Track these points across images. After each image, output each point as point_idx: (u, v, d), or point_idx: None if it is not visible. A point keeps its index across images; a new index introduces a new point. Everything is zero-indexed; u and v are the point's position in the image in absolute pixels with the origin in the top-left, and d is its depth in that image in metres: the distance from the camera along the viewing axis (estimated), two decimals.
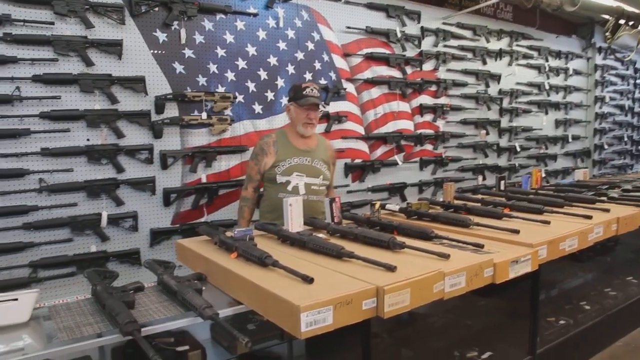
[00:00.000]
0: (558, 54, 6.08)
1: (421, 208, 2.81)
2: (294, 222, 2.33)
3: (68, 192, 2.91)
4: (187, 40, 3.29)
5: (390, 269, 1.63)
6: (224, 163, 3.50)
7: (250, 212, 2.87)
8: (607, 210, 2.82)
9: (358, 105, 4.27)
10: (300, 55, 3.85)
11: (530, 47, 5.70)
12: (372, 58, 4.29)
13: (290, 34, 3.78)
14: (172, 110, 3.26)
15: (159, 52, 3.20)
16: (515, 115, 5.55)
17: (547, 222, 2.46)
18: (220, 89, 3.45)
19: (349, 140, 4.19)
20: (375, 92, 4.37)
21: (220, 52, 3.44)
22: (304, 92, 2.72)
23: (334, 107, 4.07)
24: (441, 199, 3.20)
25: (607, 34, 6.16)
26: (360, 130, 4.29)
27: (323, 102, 3.95)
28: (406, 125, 4.61)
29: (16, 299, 1.53)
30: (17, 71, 2.74)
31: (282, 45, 3.74)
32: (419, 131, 4.68)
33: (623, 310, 3.31)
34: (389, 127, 4.48)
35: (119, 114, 3.02)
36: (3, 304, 1.50)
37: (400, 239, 2.01)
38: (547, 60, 5.93)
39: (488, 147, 5.28)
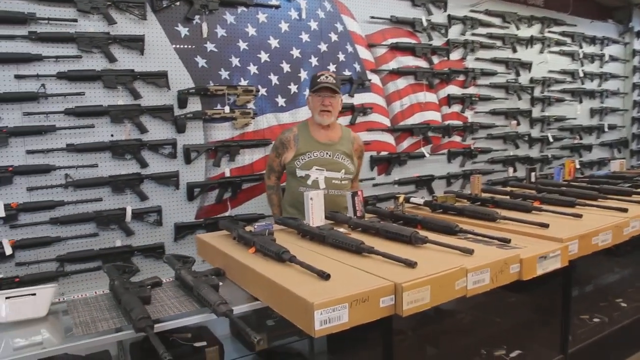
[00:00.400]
0: (593, 40, 5.83)
1: (447, 201, 2.73)
2: (315, 216, 2.29)
3: (93, 187, 2.94)
4: (209, 34, 3.28)
5: (410, 264, 1.57)
6: (247, 157, 3.49)
7: (278, 198, 2.91)
8: None
9: (383, 97, 4.19)
10: (323, 47, 3.80)
11: (563, 33, 5.49)
12: (397, 48, 4.19)
13: (313, 25, 3.73)
14: (194, 105, 3.26)
15: (181, 46, 3.20)
16: (547, 104, 5.36)
17: (579, 216, 2.35)
18: (243, 83, 3.44)
19: (374, 133, 4.12)
20: (401, 82, 4.28)
21: (243, 45, 3.42)
22: (319, 80, 2.68)
23: (358, 99, 4.01)
24: (469, 192, 3.11)
25: None
26: (386, 122, 4.21)
27: (347, 93, 3.90)
28: (433, 116, 4.50)
29: (34, 294, 1.54)
30: (42, 68, 2.78)
31: (304, 37, 3.70)
32: (446, 122, 4.57)
33: None
34: (416, 119, 4.39)
35: (142, 109, 3.04)
36: (21, 298, 1.51)
37: (423, 233, 1.95)
38: (581, 47, 5.70)
39: (519, 137, 5.12)
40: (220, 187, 3.37)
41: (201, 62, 3.27)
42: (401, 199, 2.59)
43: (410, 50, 4.27)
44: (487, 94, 4.83)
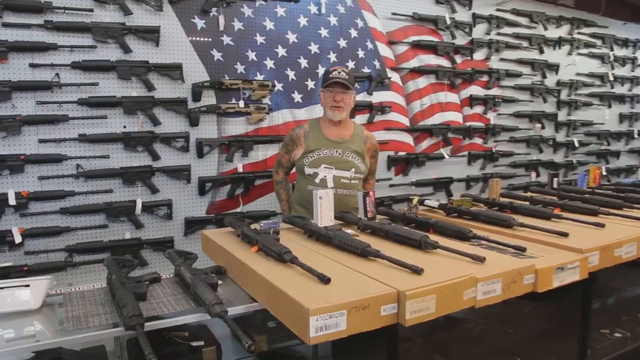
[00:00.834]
0: (625, 43, 5.61)
1: (462, 205, 2.63)
2: (324, 216, 2.22)
3: (104, 178, 2.93)
4: (225, 27, 3.23)
5: (417, 271, 1.49)
6: (261, 153, 3.44)
7: (286, 193, 2.86)
8: None
9: (403, 96, 4.09)
10: (342, 43, 3.72)
11: (593, 35, 5.29)
12: (418, 46, 4.09)
13: (333, 20, 3.66)
14: (209, 98, 3.22)
15: (197, 39, 3.16)
16: (574, 108, 5.17)
17: (602, 225, 2.22)
18: (259, 77, 3.38)
19: (392, 132, 4.02)
20: (422, 82, 4.17)
21: (260, 39, 3.37)
22: (330, 75, 2.60)
23: (377, 97, 3.92)
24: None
25: None
26: (405, 121, 4.11)
27: (366, 91, 3.81)
28: (454, 117, 4.38)
29: (27, 285, 1.50)
30: (57, 58, 2.78)
31: (323, 32, 3.63)
32: (468, 123, 4.44)
33: None
34: (436, 119, 4.27)
35: (155, 101, 3.01)
36: (14, 290, 1.48)
37: (435, 237, 1.87)
38: (612, 49, 5.49)
39: (543, 141, 4.95)
40: (232, 182, 3.32)
41: (217, 55, 3.22)
42: (415, 201, 2.50)
43: (432, 48, 4.16)
44: (511, 95, 4.68)
